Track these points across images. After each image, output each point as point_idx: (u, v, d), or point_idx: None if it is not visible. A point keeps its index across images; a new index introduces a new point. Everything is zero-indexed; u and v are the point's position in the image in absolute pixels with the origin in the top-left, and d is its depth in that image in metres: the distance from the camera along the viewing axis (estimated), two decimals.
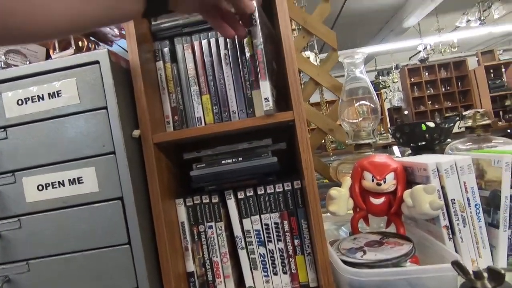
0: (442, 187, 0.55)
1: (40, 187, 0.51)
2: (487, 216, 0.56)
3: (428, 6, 4.44)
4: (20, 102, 0.52)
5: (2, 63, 0.59)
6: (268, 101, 0.54)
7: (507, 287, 0.29)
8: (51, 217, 0.52)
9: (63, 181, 0.51)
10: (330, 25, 4.88)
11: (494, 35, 6.42)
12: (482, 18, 4.14)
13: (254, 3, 0.48)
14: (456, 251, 0.54)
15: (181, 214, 0.61)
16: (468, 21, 4.31)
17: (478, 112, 0.81)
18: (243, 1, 0.44)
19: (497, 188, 0.54)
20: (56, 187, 0.51)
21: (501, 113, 5.63)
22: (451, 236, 0.55)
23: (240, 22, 0.50)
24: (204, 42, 0.61)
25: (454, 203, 0.55)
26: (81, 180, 0.51)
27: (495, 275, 0.29)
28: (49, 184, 0.51)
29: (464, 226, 0.55)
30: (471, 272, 0.31)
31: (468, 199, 0.55)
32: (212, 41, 0.61)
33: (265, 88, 0.54)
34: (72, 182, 0.51)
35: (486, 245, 0.55)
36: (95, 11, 0.35)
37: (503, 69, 5.75)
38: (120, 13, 0.38)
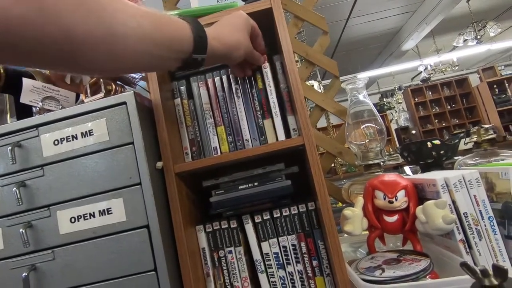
0: (453, 202, 0.57)
1: (73, 219, 0.55)
2: (502, 229, 0.57)
3: (424, 30, 4.60)
4: (56, 142, 0.57)
5: (38, 108, 0.66)
6: (296, 130, 0.63)
7: (511, 282, 0.31)
8: (82, 248, 0.55)
9: (93, 212, 0.55)
10: (330, 53, 5.08)
11: (494, 52, 6.54)
12: (479, 37, 4.25)
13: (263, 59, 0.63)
14: (475, 265, 0.54)
15: (202, 240, 0.63)
16: (465, 40, 4.43)
17: (482, 127, 0.83)
18: (259, 59, 0.61)
19: (508, 200, 0.56)
20: (87, 219, 0.55)
21: (510, 127, 5.57)
22: (468, 250, 0.56)
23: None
24: (217, 79, 0.67)
25: (467, 216, 0.56)
26: (110, 211, 0.55)
27: (499, 271, 0.31)
28: (81, 216, 0.55)
29: (480, 240, 0.55)
30: (478, 271, 0.33)
31: (480, 212, 0.56)
32: (224, 77, 0.67)
33: (292, 120, 0.64)
34: (101, 213, 0.55)
35: (505, 258, 0.54)
36: (152, 62, 0.41)
37: (506, 84, 5.79)
38: (164, 66, 0.47)
